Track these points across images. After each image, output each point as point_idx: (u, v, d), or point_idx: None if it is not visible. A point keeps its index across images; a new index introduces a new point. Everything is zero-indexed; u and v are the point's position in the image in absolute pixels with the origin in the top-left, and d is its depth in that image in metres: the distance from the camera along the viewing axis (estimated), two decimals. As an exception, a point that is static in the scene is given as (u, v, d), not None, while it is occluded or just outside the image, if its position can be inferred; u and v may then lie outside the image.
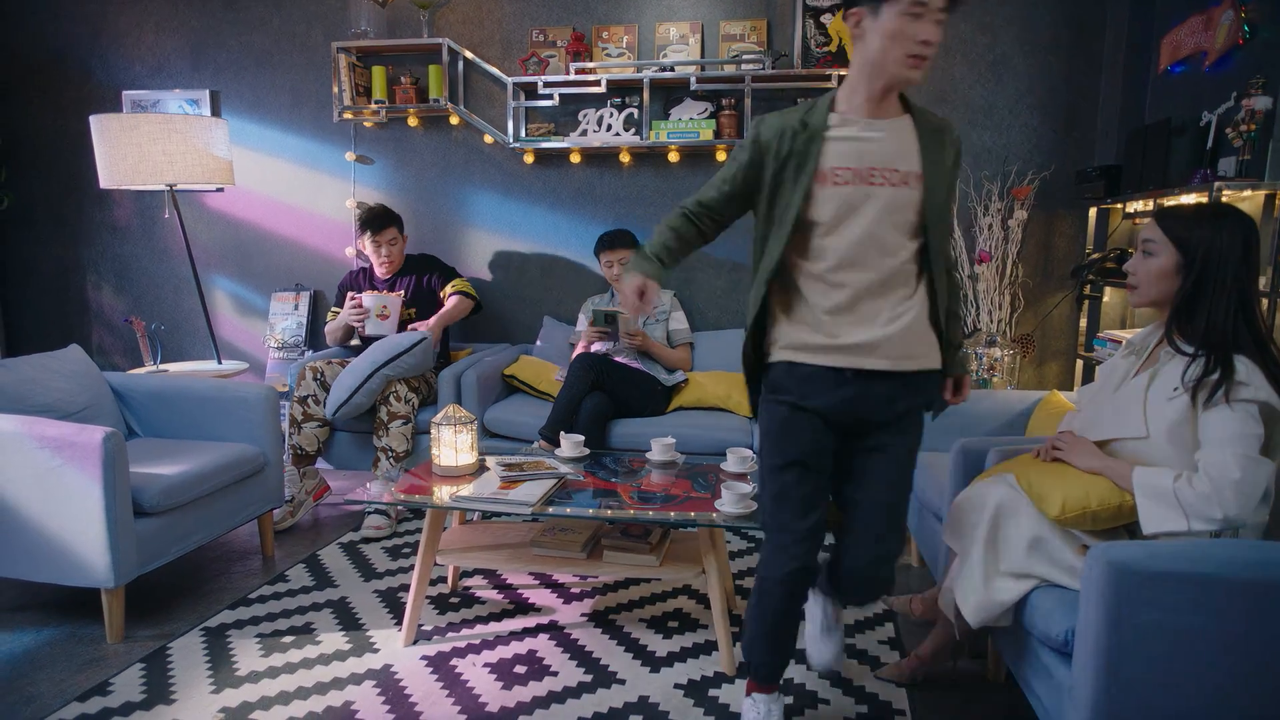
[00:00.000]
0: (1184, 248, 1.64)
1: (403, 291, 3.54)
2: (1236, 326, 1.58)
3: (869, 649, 2.26)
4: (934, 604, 2.09)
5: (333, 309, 3.59)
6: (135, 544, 2.27)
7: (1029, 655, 1.69)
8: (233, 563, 2.85)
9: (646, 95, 3.59)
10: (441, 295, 3.59)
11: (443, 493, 2.26)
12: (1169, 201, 2.94)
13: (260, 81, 4.05)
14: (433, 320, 3.45)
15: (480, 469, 2.44)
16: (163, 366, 3.56)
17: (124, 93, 4.09)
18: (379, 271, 3.58)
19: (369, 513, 3.13)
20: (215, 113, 4.07)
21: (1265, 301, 2.43)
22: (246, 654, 2.23)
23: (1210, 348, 1.58)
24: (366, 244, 3.50)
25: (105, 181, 3.19)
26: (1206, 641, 1.37)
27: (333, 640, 2.31)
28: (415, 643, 2.30)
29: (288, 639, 2.31)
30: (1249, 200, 2.62)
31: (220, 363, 3.66)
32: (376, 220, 3.48)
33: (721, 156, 3.71)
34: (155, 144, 3.12)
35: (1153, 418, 1.64)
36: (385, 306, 3.40)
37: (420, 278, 3.61)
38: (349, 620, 2.43)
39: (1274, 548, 1.40)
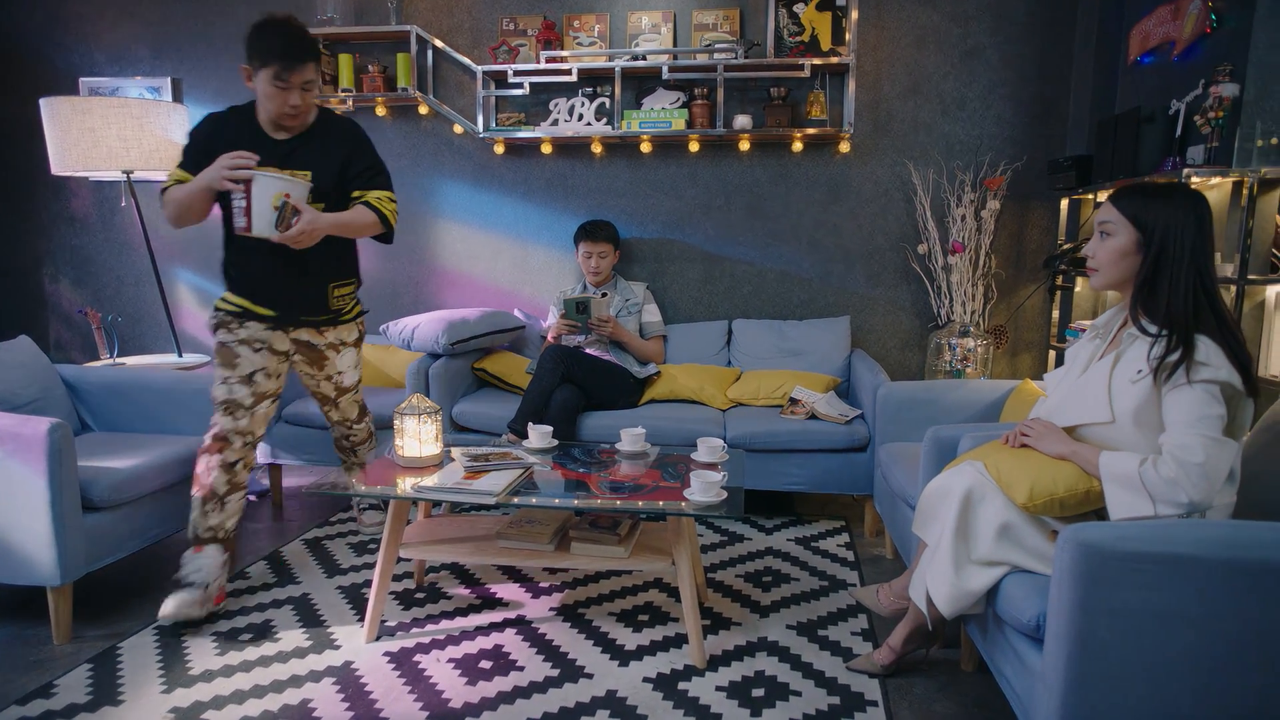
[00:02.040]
0: (1141, 225, 1.64)
1: (310, 173, 2.33)
2: (1197, 304, 1.58)
3: (841, 640, 2.23)
4: (902, 594, 2.07)
5: (179, 168, 2.30)
6: (84, 540, 2.19)
7: (1001, 642, 1.66)
8: (191, 560, 2.76)
9: (618, 85, 3.54)
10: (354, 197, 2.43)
11: (405, 484, 2.19)
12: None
13: (225, 69, 3.95)
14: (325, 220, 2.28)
15: (445, 460, 2.38)
16: (119, 359, 3.45)
17: (81, 80, 3.98)
18: (276, 120, 2.30)
19: (364, 509, 3.05)
20: (178, 101, 3.97)
21: (1234, 287, 2.43)
22: (201, 653, 2.15)
23: (1172, 326, 1.58)
24: (263, 81, 2.24)
25: (57, 168, 3.09)
26: (1178, 623, 1.34)
27: (292, 637, 2.24)
28: (378, 639, 2.24)
29: (245, 637, 2.24)
30: (1217, 188, 2.62)
31: (180, 355, 3.56)
32: (293, 48, 2.24)
33: (694, 147, 3.67)
34: (110, 128, 3.02)
35: (1118, 402, 1.62)
36: (286, 196, 2.18)
37: (336, 153, 2.39)
38: (310, 617, 2.36)
39: (1244, 527, 1.38)
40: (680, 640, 2.23)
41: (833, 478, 3.01)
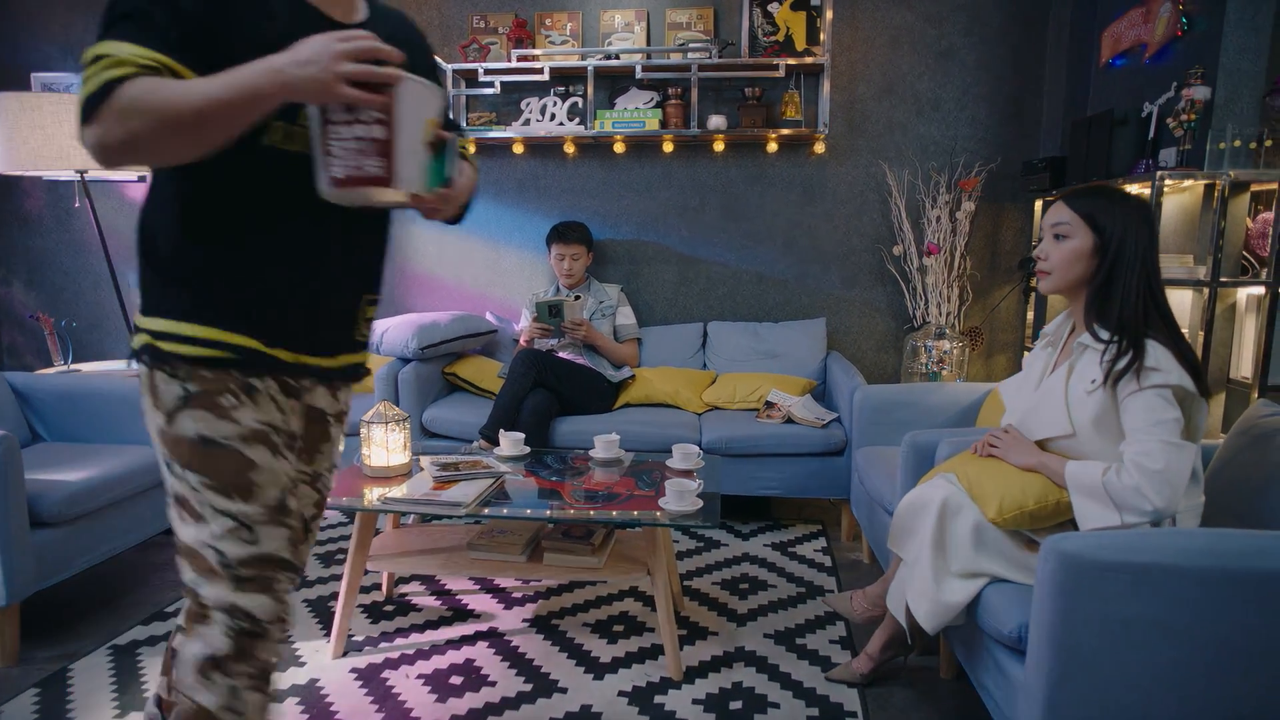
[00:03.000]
0: (1099, 228, 1.63)
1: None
2: (1147, 309, 1.58)
3: (819, 649, 2.20)
4: (876, 600, 2.04)
5: (135, 44, 1.02)
6: (32, 558, 2.09)
7: (981, 653, 1.63)
8: (150, 574, 2.66)
9: (591, 84, 3.49)
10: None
11: (372, 494, 2.13)
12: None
13: (184, 66, 3.83)
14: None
15: (414, 469, 2.31)
16: (74, 366, 3.33)
17: (33, 75, 3.83)
18: None
19: None
20: (135, 98, 3.84)
21: (1206, 290, 2.44)
22: (157, 673, 2.06)
23: (1124, 332, 1.57)
24: None
25: (6, 166, 2.97)
26: (1161, 633, 1.32)
27: (254, 655, 2.15)
28: (345, 655, 2.17)
29: (205, 655, 2.15)
30: (1189, 190, 2.63)
31: (140, 362, 3.44)
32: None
33: (668, 147, 3.63)
34: (62, 126, 2.91)
35: (1076, 413, 1.62)
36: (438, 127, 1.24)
37: (417, 62, 1.28)
38: (273, 633, 2.28)
39: (1226, 536, 1.36)
40: (656, 651, 2.18)
41: (810, 482, 2.98)
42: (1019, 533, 1.63)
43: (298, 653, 2.16)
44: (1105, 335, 1.60)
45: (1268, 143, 2.42)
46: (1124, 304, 1.59)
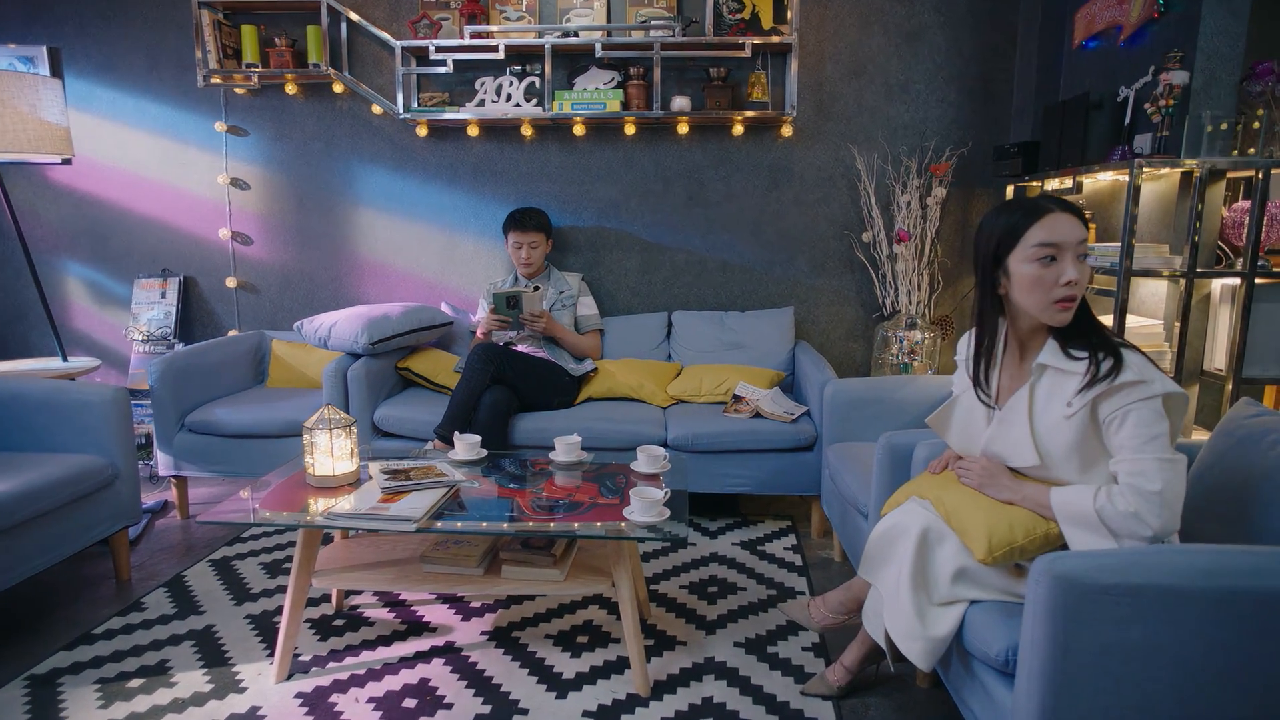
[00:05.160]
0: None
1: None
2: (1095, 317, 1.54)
3: (792, 658, 2.11)
4: (838, 608, 1.95)
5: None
6: (-62, 582, 1.91)
7: (966, 676, 1.55)
8: (78, 591, 2.48)
9: (549, 63, 3.32)
10: None
11: (316, 507, 1.98)
12: (1088, 179, 2.88)
13: (110, 39, 3.57)
14: None
15: (362, 477, 2.16)
16: (-6, 365, 3.10)
17: (-57, 49, 3.55)
18: None
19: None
20: (56, 73, 3.58)
21: (1182, 280, 2.38)
22: (80, 706, 1.90)
23: (1100, 347, 1.48)
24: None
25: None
26: (1159, 656, 1.25)
27: (191, 680, 2.00)
28: (290, 678, 2.03)
29: (135, 682, 1.99)
30: (1166, 178, 2.57)
31: (65, 360, 3.22)
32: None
33: (630, 130, 3.48)
34: (-32, 105, 2.67)
35: (1045, 442, 1.52)
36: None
37: None
38: (213, 654, 2.13)
39: (1226, 553, 1.29)
40: (623, 664, 2.08)
41: (779, 479, 2.89)
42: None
43: (238, 677, 2.02)
44: (1082, 355, 1.50)
45: (1239, 128, 2.37)
46: (1095, 321, 1.51)
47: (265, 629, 2.26)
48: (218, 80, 3.46)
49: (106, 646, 2.15)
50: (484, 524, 1.92)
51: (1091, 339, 1.50)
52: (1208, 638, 1.24)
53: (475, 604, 2.40)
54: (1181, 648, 1.25)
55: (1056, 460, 1.52)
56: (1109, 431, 1.46)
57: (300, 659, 2.11)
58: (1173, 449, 1.43)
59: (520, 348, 3.15)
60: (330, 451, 2.11)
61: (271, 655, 2.11)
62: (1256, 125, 2.36)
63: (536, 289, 3.19)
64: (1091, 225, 2.77)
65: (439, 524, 1.90)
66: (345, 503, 1.98)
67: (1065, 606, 1.25)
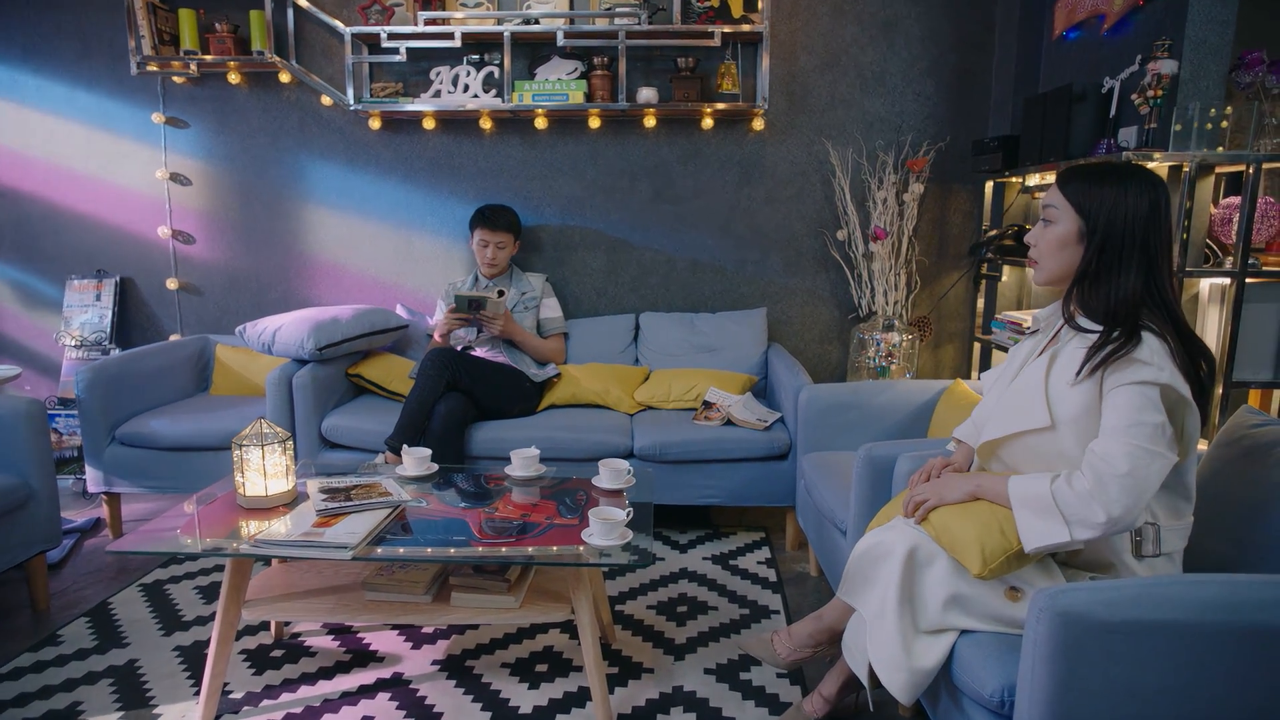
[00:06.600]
0: (1085, 212, 1.42)
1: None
2: (1143, 299, 1.37)
3: (766, 685, 1.97)
4: (804, 643, 1.80)
5: None
6: None
7: (956, 711, 1.41)
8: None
9: (508, 52, 3.15)
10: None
11: (247, 530, 1.79)
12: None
13: (35, 22, 3.34)
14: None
15: (300, 497, 1.98)
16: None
17: None
18: None
19: None
20: (-23, 61, 3.34)
21: (1175, 280, 2.27)
22: (-23, 757, 1.71)
23: (1115, 323, 1.36)
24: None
25: None
26: (1172, 698, 1.12)
27: (105, 725, 1.81)
28: (218, 719, 1.84)
29: (42, 729, 1.80)
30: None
31: (-13, 367, 2.99)
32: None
33: (595, 123, 3.31)
34: None
35: (1057, 405, 1.40)
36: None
37: None
38: (133, 694, 1.93)
39: (1241, 584, 1.16)
40: (585, 695, 1.92)
41: (752, 489, 2.74)
42: (998, 581, 1.41)
43: (159, 718, 1.83)
44: (1094, 327, 1.39)
45: (1226, 121, 2.26)
46: (1114, 294, 1.37)
47: (195, 663, 2.07)
48: (154, 68, 3.25)
49: (11, 688, 1.95)
50: (429, 550, 1.75)
51: (1113, 314, 1.38)
52: (1223, 674, 1.12)
53: (427, 630, 2.23)
54: (1196, 688, 1.12)
55: (1063, 425, 1.40)
56: (1105, 407, 1.34)
57: (231, 696, 1.93)
58: (1164, 445, 1.29)
59: (479, 352, 2.98)
60: (263, 469, 1.92)
61: (199, 693, 1.92)
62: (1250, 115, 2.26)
63: (501, 293, 3.01)
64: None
65: (379, 550, 1.72)
66: (278, 526, 1.80)
67: (1069, 646, 1.12)
